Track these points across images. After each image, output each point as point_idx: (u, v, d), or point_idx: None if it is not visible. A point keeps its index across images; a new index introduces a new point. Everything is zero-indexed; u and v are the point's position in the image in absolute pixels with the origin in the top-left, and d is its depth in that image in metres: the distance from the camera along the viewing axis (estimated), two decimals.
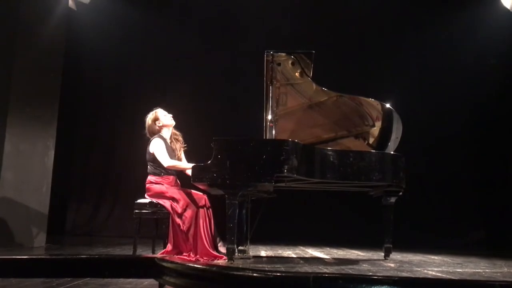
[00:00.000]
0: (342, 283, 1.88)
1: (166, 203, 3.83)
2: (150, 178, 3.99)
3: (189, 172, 3.81)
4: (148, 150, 4.02)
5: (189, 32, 7.27)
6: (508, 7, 6.46)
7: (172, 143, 4.12)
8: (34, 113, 5.04)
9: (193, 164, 3.74)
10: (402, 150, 4.35)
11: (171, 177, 4.01)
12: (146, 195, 3.96)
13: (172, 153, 4.04)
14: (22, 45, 4.96)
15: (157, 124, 4.09)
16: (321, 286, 2.04)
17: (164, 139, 4.04)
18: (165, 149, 3.97)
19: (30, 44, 5.04)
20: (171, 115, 4.16)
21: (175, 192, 3.89)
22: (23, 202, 4.86)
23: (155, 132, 4.09)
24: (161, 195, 3.89)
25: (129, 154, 6.94)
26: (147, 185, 3.98)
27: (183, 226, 3.76)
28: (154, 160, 3.96)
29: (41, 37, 5.16)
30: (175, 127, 4.19)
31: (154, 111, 4.15)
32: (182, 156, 4.16)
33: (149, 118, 4.13)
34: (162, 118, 4.11)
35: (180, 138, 4.19)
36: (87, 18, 6.88)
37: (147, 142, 4.09)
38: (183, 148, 4.19)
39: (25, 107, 4.93)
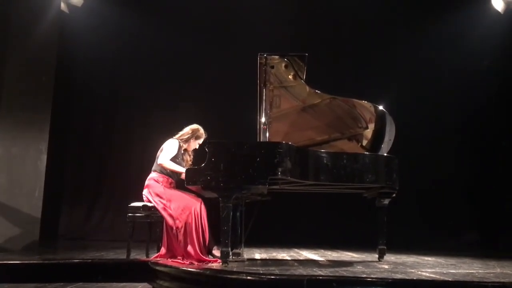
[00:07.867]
0: (336, 285, 1.88)
1: (159, 206, 3.83)
2: (153, 174, 4.03)
3: (183, 176, 3.81)
4: (162, 147, 4.09)
5: (182, 34, 7.25)
6: (499, 9, 6.52)
7: (184, 155, 4.19)
8: (26, 116, 5.01)
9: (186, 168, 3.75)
10: (395, 152, 4.36)
11: (171, 180, 4.03)
12: (143, 191, 3.98)
13: (180, 159, 4.11)
14: (14, 48, 4.95)
15: (190, 138, 4.16)
16: None
17: (180, 146, 4.11)
18: (175, 152, 4.03)
19: (22, 47, 5.02)
20: (198, 146, 4.23)
21: (171, 194, 3.89)
22: (16, 206, 4.83)
23: (183, 138, 4.15)
24: (156, 195, 3.90)
25: (122, 157, 6.91)
26: (147, 181, 4.00)
27: (176, 230, 3.75)
28: None
29: (33, 40, 5.14)
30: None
31: (203, 131, 4.22)
32: None
33: (194, 129, 4.20)
34: (193, 141, 4.19)
35: (191, 153, 4.25)
36: (79, 21, 6.84)
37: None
38: (189, 163, 4.21)
39: (17, 111, 4.91)
